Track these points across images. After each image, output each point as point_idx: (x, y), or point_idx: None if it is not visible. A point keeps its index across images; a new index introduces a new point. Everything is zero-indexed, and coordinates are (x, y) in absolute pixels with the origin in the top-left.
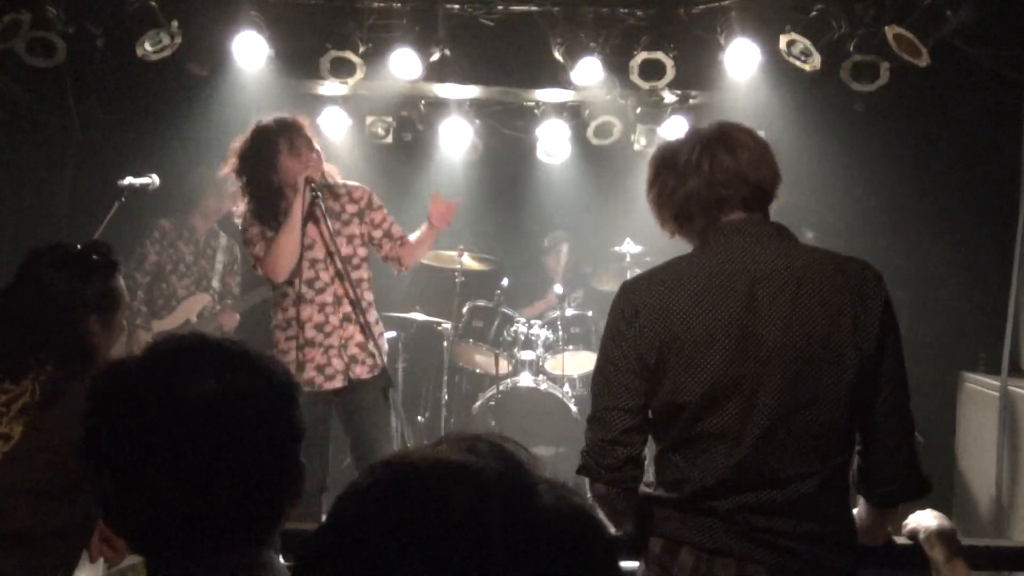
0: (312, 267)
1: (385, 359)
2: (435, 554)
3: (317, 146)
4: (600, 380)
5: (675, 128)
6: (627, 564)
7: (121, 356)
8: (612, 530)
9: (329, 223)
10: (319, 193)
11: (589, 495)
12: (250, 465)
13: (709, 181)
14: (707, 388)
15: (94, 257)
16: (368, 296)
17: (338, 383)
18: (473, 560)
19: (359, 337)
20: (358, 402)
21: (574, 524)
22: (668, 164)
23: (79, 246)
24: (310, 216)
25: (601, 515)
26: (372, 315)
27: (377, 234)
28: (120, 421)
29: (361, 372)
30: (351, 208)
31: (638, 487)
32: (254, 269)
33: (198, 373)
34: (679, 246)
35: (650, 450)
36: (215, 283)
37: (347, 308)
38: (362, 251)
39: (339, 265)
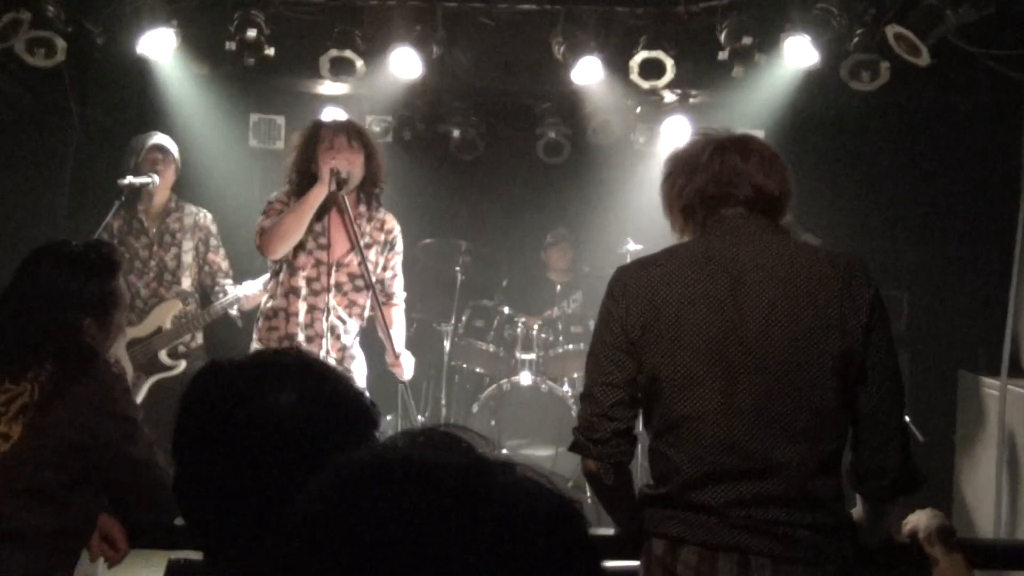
0: (316, 267)
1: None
2: (396, 557)
3: (372, 154)
4: (591, 358)
5: (675, 128)
6: (626, 564)
7: (220, 359)
8: (585, 515)
9: (355, 227)
10: (343, 189)
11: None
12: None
13: (716, 178)
14: (686, 368)
15: (94, 257)
16: (360, 322)
17: None
18: (436, 560)
19: (336, 354)
20: None
21: (537, 507)
22: (681, 161)
23: (81, 246)
24: (330, 209)
25: (578, 498)
26: (354, 341)
27: (379, 274)
28: (203, 421)
29: None
30: (377, 236)
31: (628, 463)
32: (255, 238)
33: (281, 388)
34: None
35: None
36: (185, 281)
37: (335, 321)
38: (371, 278)
39: (335, 278)
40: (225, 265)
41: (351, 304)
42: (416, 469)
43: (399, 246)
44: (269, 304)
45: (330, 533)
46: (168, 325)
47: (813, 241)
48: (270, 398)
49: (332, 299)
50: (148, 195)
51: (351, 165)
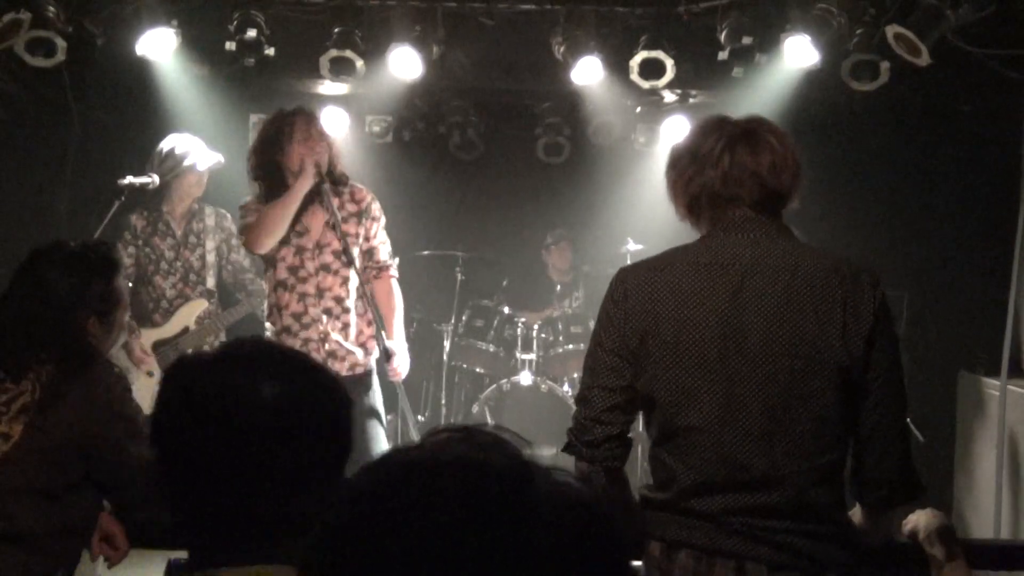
0: (298, 255)
1: (373, 361)
2: (434, 549)
3: (329, 140)
4: (588, 360)
5: (675, 128)
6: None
7: (193, 352)
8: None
9: (337, 214)
10: (325, 180)
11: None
12: (294, 473)
13: (725, 176)
14: (686, 377)
15: (94, 257)
16: (354, 295)
17: None
18: (474, 553)
19: (339, 334)
20: None
21: (576, 512)
22: (690, 150)
23: (80, 246)
24: (311, 201)
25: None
26: (360, 313)
27: (363, 245)
28: (180, 415)
29: (341, 368)
30: (351, 207)
31: (620, 467)
32: (239, 237)
33: (259, 377)
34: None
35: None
36: (209, 280)
37: (330, 303)
38: (354, 250)
39: (320, 260)
40: (247, 262)
41: (344, 281)
42: (462, 468)
43: (376, 212)
44: (266, 303)
45: (374, 531)
46: (194, 325)
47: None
48: (248, 390)
49: (320, 283)
50: (179, 198)
51: (325, 154)
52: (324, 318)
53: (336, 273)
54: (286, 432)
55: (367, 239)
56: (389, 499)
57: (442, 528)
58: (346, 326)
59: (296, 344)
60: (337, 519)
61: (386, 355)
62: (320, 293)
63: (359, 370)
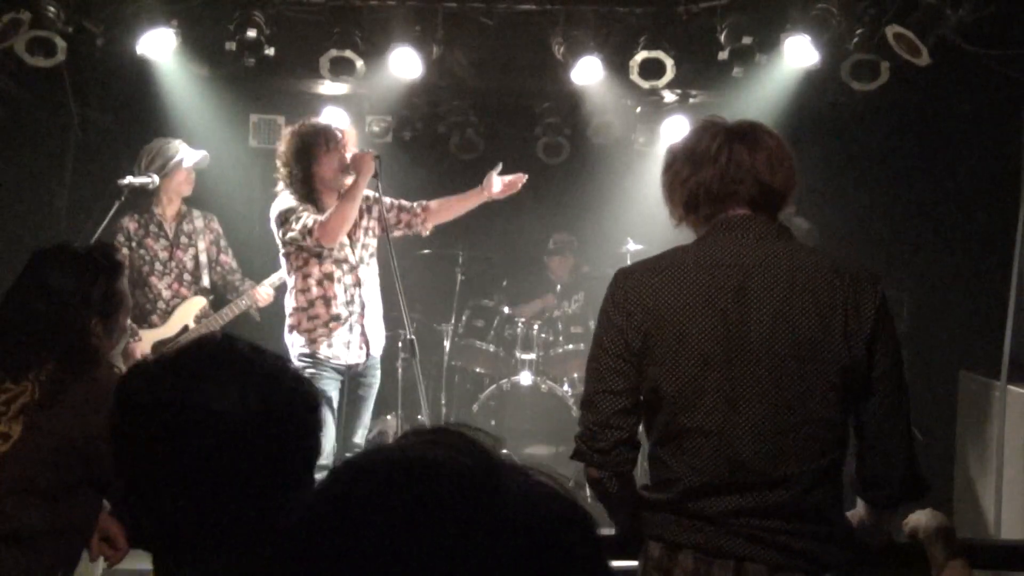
0: (342, 248)
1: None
2: (389, 553)
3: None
4: (592, 365)
5: (675, 128)
6: (625, 564)
7: (145, 359)
8: (593, 515)
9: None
10: (378, 171)
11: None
12: (260, 480)
13: (722, 174)
14: (689, 378)
15: (98, 259)
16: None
17: (359, 358)
18: (439, 559)
19: (375, 317)
20: (369, 380)
21: (549, 514)
22: (687, 150)
23: (84, 248)
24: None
25: (584, 499)
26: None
27: (392, 214)
28: (137, 425)
29: (377, 352)
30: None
31: (631, 471)
32: (304, 238)
33: (220, 386)
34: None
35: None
36: (204, 279)
37: (369, 288)
38: (372, 243)
39: (359, 253)
40: (235, 264)
41: (368, 268)
42: (423, 471)
43: (374, 195)
44: (302, 299)
45: (333, 535)
46: (193, 323)
47: (804, 226)
48: (209, 399)
49: (359, 273)
50: (168, 199)
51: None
52: (369, 302)
53: (366, 263)
54: (248, 440)
55: (390, 209)
56: (342, 503)
57: (396, 530)
58: (377, 310)
59: (355, 329)
60: (291, 526)
61: (412, 348)
62: (359, 282)
63: (381, 351)
